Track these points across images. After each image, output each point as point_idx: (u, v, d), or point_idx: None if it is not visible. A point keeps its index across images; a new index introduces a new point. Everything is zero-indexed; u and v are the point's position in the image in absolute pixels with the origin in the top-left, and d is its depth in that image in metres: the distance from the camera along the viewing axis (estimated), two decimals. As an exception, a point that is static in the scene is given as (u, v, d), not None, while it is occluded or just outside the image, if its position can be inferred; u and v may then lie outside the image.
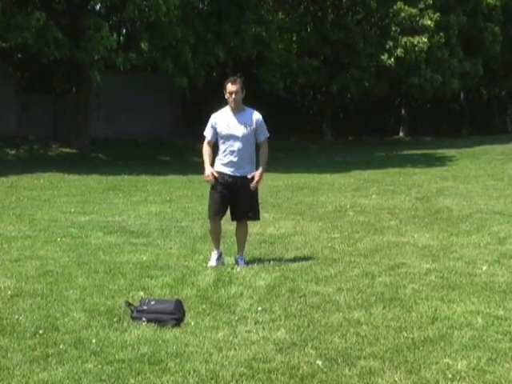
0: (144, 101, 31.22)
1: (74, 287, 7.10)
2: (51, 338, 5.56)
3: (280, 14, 34.89)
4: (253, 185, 8.17)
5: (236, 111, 8.16)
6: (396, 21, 33.23)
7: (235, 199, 8.24)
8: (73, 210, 12.91)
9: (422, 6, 33.05)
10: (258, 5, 29.52)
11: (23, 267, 8.03)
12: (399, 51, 32.75)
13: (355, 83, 34.84)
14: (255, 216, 8.50)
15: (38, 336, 5.61)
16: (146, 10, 23.40)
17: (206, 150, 8.33)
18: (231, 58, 29.29)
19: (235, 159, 8.15)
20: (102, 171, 20.65)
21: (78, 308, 6.37)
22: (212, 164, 8.28)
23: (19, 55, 29.36)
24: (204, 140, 8.40)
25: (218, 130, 8.19)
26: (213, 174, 8.17)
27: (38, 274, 7.70)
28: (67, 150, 26.56)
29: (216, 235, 8.41)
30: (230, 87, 8.05)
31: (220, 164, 8.25)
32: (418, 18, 32.69)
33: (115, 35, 23.99)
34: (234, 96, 8.04)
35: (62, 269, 7.96)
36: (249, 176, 8.18)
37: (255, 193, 8.34)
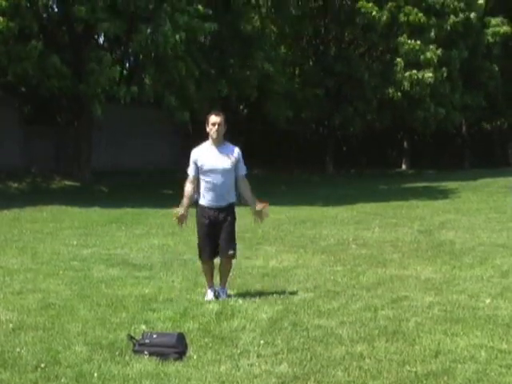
0: (146, 133, 31.36)
1: (76, 320, 7.09)
2: (53, 372, 5.54)
3: (282, 48, 35.18)
4: (264, 211, 8.34)
5: (217, 144, 8.16)
6: (399, 54, 33.46)
7: (218, 233, 8.24)
8: (75, 242, 12.91)
9: (425, 40, 33.29)
10: (260, 39, 29.76)
11: (25, 300, 8.02)
12: (406, 84, 32.95)
13: (358, 116, 35.05)
14: (234, 253, 8.36)
15: (39, 369, 5.58)
16: (153, 42, 23.51)
17: (189, 189, 8.22)
18: (235, 94, 29.45)
19: (219, 192, 8.15)
20: (104, 204, 20.67)
21: (79, 341, 6.35)
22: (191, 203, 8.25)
23: (22, 88, 29.53)
24: (187, 179, 8.31)
25: (200, 163, 8.13)
26: (181, 219, 8.17)
27: (40, 306, 7.69)
28: (70, 182, 26.63)
29: (210, 273, 8.46)
30: (214, 118, 8.08)
31: (203, 199, 8.22)
32: (419, 53, 32.92)
33: (117, 66, 24.11)
34: (216, 127, 8.04)
35: (64, 302, 7.95)
36: (257, 207, 8.28)
37: (233, 227, 8.28)
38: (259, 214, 8.39)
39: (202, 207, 8.23)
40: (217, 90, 27.02)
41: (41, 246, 12.46)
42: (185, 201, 8.21)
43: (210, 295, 8.30)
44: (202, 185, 8.21)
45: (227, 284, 8.54)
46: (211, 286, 8.42)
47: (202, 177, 8.20)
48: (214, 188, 8.15)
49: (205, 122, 8.21)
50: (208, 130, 8.15)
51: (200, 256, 8.45)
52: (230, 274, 8.68)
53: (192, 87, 25.70)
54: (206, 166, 8.12)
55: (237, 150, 8.27)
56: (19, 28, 21.43)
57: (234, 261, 8.54)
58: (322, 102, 34.85)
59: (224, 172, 8.13)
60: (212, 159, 8.13)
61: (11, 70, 22.40)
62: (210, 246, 8.29)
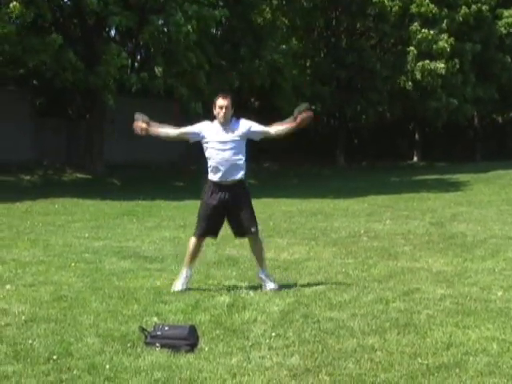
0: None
1: (87, 312, 7.10)
2: (65, 364, 5.55)
3: (293, 40, 35.15)
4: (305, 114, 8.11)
5: (224, 124, 8.05)
6: (412, 43, 33.39)
7: (231, 211, 8.16)
8: (87, 235, 12.94)
9: (437, 30, 33.22)
10: (272, 31, 29.72)
11: (37, 292, 8.04)
12: (418, 74, 32.90)
13: (370, 107, 35.02)
14: (257, 230, 8.30)
15: (51, 361, 5.60)
16: (165, 33, 23.57)
17: (169, 129, 8.38)
18: (246, 86, 29.43)
19: (227, 168, 8.00)
20: (116, 196, 20.72)
21: (91, 333, 6.36)
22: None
23: (34, 81, 29.59)
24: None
25: (206, 138, 8.06)
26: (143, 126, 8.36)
27: (52, 299, 7.71)
28: (81, 175, 26.71)
29: (194, 255, 8.32)
30: (221, 101, 7.97)
31: (213, 175, 8.09)
32: (432, 43, 32.85)
33: (126, 54, 24.13)
34: (224, 110, 7.94)
35: (76, 294, 7.96)
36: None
37: (250, 204, 8.23)
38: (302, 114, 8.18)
39: (212, 183, 8.12)
40: (228, 82, 27.00)
41: (53, 238, 12.49)
42: (158, 127, 8.41)
43: (179, 285, 8.12)
44: (211, 161, 8.08)
45: (266, 267, 8.44)
46: (189, 267, 8.24)
47: (209, 153, 8.09)
48: (221, 163, 7.98)
49: (212, 105, 8.10)
50: (215, 113, 8.05)
51: (195, 231, 8.30)
52: (264, 257, 8.59)
53: (203, 79, 25.70)
54: (213, 140, 8.03)
55: (243, 121, 8.15)
56: (34, 17, 21.48)
57: (261, 240, 8.50)
58: (333, 93, 34.79)
59: (232, 147, 8.00)
60: (217, 134, 8.03)
61: (30, 62, 22.46)
62: (209, 224, 8.19)
